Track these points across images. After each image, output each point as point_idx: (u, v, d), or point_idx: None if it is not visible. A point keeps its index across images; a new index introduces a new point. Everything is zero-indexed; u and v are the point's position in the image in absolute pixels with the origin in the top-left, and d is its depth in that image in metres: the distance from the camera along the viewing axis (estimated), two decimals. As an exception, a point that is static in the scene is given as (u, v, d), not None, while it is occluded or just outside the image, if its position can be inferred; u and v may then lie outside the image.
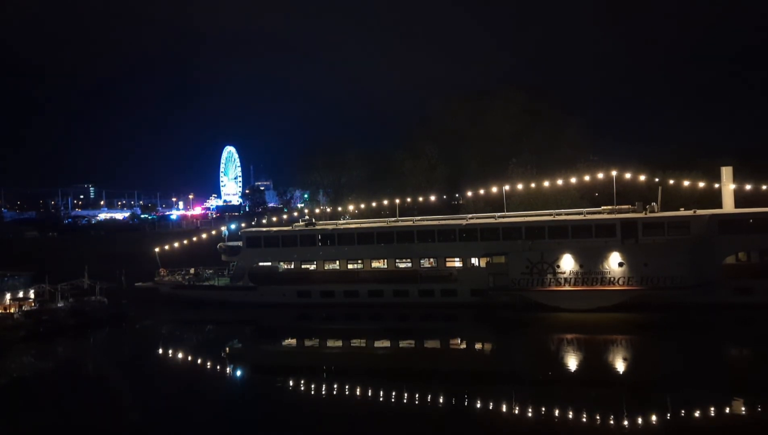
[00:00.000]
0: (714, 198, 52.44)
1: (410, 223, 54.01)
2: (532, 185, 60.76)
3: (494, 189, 58.84)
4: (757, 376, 30.86)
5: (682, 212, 49.06)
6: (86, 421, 28.11)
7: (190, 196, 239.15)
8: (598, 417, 25.26)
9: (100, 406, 30.15)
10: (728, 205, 49.40)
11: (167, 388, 33.04)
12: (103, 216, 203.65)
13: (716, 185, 51.67)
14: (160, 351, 42.91)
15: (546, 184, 59.12)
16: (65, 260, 65.63)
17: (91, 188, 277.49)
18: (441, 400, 28.48)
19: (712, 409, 26.14)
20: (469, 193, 64.24)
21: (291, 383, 33.31)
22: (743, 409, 26.62)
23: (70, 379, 35.79)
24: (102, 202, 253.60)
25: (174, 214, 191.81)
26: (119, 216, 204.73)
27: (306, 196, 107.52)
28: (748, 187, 51.37)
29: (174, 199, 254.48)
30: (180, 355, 41.13)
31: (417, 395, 29.06)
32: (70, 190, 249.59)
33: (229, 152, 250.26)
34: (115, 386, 33.65)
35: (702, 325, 41.37)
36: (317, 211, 70.96)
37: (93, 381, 35.54)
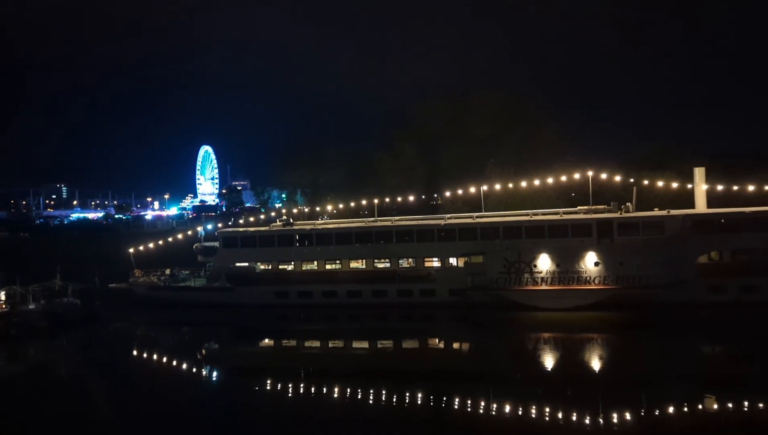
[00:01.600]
0: (687, 198, 53.32)
1: (389, 223, 53.99)
2: (510, 185, 61.22)
3: (472, 189, 59.12)
4: (729, 372, 31.42)
5: (657, 212, 49.76)
6: (58, 424, 27.55)
7: (166, 196, 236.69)
8: (575, 415, 25.47)
9: (73, 409, 29.55)
10: (701, 206, 50.26)
11: (142, 391, 32.50)
12: (76, 216, 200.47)
13: (689, 186, 52.60)
14: (135, 353, 42.24)
15: (523, 184, 59.66)
16: (37, 261, 64.41)
17: (64, 188, 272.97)
18: (420, 400, 28.49)
19: (687, 405, 26.56)
20: (448, 193, 64.48)
21: (268, 385, 33.00)
22: (716, 405, 27.10)
23: (42, 382, 35.00)
24: (75, 202, 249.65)
25: (149, 215, 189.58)
26: (93, 216, 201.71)
27: (284, 196, 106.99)
28: (720, 187, 52.33)
29: (149, 199, 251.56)
30: (155, 358, 40.51)
31: (396, 396, 29.00)
32: (42, 190, 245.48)
33: (206, 152, 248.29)
34: (88, 389, 33.01)
35: (676, 323, 41.97)
36: (295, 211, 70.72)
37: (65, 384, 34.83)
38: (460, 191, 60.99)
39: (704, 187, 50.60)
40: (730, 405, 26.67)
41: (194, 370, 37.52)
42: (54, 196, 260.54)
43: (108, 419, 28.01)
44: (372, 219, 57.95)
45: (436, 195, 76.25)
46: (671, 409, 26.12)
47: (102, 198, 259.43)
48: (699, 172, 50.74)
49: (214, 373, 36.95)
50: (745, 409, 26.12)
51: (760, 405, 26.27)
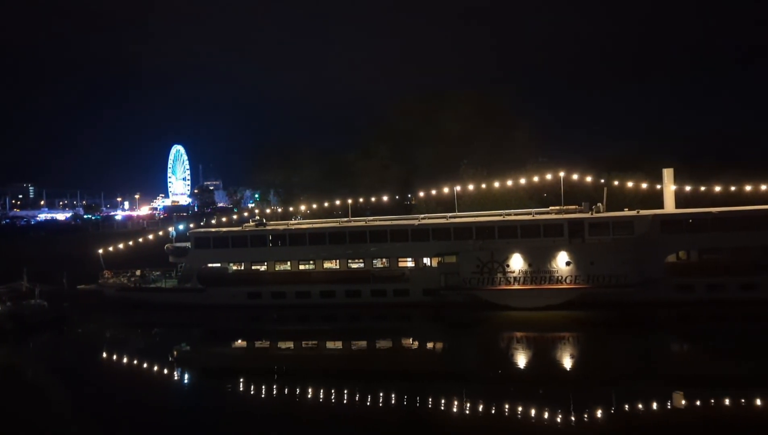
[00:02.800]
0: (656, 199, 54.29)
1: (363, 223, 53.95)
2: (483, 186, 61.69)
3: (446, 189, 59.39)
4: (697, 370, 32.11)
5: (626, 212, 50.57)
6: (24, 431, 26.89)
7: (137, 196, 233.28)
8: (547, 413, 25.73)
9: (40, 415, 28.88)
10: (669, 206, 51.20)
11: (111, 395, 31.90)
12: (43, 216, 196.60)
13: (658, 186, 53.55)
14: (104, 356, 41.51)
15: (496, 184, 60.18)
16: (2, 262, 62.95)
17: (31, 187, 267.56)
18: (394, 400, 28.49)
19: (656, 402, 27.02)
20: (421, 194, 64.67)
21: (242, 386, 32.72)
22: (684, 402, 27.61)
23: (8, 387, 34.18)
24: (42, 202, 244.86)
25: (119, 215, 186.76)
26: (61, 216, 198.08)
27: (257, 195, 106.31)
28: (687, 188, 53.41)
29: (119, 199, 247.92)
30: (125, 360, 39.82)
31: (370, 396, 28.98)
32: (8, 190, 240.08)
33: (177, 151, 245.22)
34: (56, 394, 32.27)
35: (646, 321, 42.69)
36: (268, 211, 70.17)
37: (32, 389, 34.01)
38: (433, 191, 61.21)
39: (673, 187, 51.57)
40: (698, 402, 27.23)
41: (165, 372, 36.98)
42: (20, 196, 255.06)
43: (76, 425, 27.42)
44: (346, 219, 57.84)
45: (409, 195, 76.39)
46: (641, 406, 26.53)
47: (70, 198, 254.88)
48: (667, 173, 51.71)
49: (186, 376, 36.45)
50: (713, 405, 26.66)
51: (727, 401, 26.84)
